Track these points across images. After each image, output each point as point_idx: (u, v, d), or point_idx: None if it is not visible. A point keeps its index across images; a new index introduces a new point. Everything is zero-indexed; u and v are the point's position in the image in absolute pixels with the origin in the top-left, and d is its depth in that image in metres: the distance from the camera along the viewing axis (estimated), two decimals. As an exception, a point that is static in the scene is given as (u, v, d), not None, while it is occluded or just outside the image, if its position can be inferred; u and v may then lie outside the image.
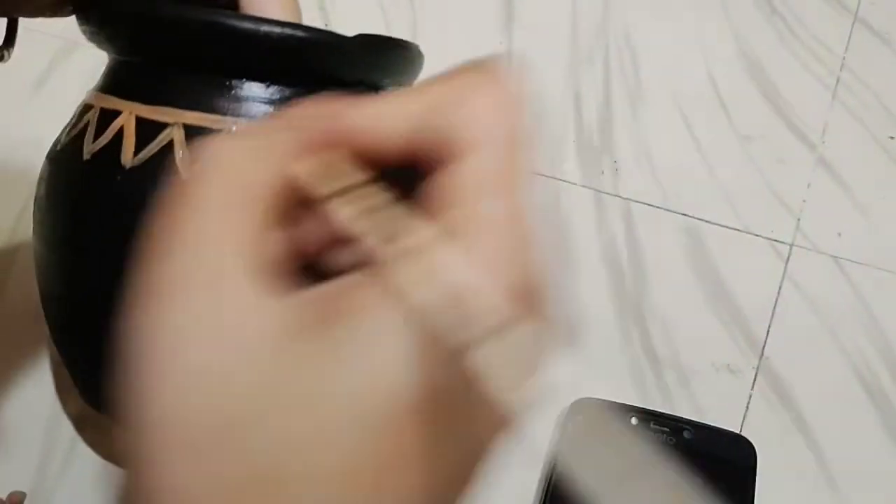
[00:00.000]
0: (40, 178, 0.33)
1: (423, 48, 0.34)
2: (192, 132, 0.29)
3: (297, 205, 0.19)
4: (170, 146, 0.29)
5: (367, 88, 0.33)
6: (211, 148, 0.19)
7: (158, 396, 0.17)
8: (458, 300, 0.16)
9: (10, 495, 0.36)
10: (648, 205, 0.53)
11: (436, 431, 0.17)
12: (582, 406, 0.42)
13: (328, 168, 0.19)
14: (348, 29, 0.34)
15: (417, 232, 0.17)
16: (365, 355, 0.16)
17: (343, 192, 0.18)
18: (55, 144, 0.33)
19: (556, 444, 0.41)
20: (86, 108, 0.33)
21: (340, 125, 0.19)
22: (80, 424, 0.42)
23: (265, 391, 0.16)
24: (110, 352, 0.31)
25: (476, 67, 0.19)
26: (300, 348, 0.17)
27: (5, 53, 0.30)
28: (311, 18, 0.59)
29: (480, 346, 0.16)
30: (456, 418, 0.18)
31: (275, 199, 0.18)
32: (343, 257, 0.20)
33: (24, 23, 0.32)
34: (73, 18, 0.32)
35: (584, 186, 0.53)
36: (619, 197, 0.53)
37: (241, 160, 0.18)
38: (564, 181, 0.54)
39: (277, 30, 0.29)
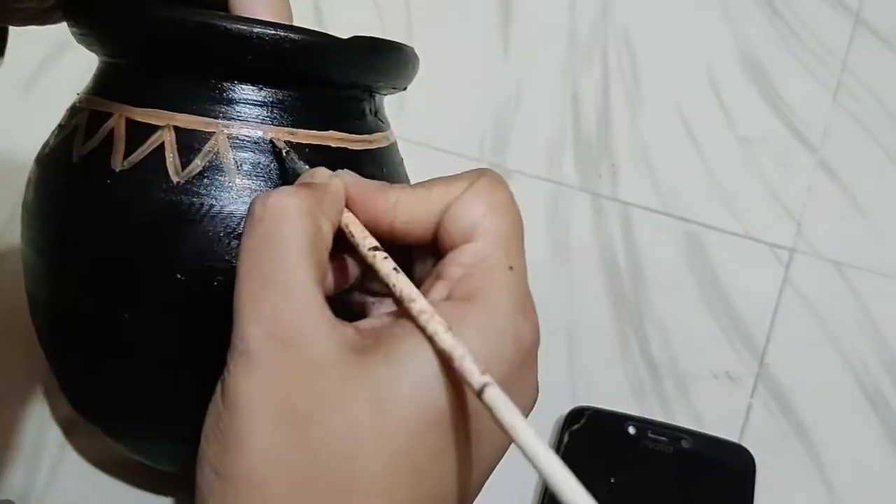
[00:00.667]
0: (28, 181, 0.33)
1: (418, 48, 0.34)
2: (183, 135, 0.29)
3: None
4: (160, 149, 0.29)
5: (361, 91, 0.32)
6: (277, 201, 0.24)
7: (248, 384, 0.22)
8: (452, 356, 0.22)
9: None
10: (647, 209, 0.52)
11: (457, 438, 0.23)
12: (579, 414, 0.41)
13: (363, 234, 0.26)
14: (343, 28, 0.34)
15: (430, 296, 0.24)
16: (408, 373, 0.22)
17: (375, 249, 0.25)
18: (44, 147, 0.33)
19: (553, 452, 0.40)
20: (75, 110, 0.32)
21: (383, 223, 0.26)
22: (69, 430, 0.41)
23: (335, 394, 0.22)
24: (96, 356, 0.31)
25: (478, 175, 0.26)
26: (360, 363, 0.22)
27: None
28: (306, 16, 0.58)
29: (476, 390, 0.21)
30: (474, 431, 0.23)
31: (326, 252, 0.25)
32: (358, 297, 0.29)
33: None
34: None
35: (581, 190, 0.53)
36: (618, 201, 0.52)
37: (306, 220, 0.24)
38: (562, 184, 0.53)
39: (270, 31, 0.28)
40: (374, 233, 0.26)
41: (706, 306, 0.47)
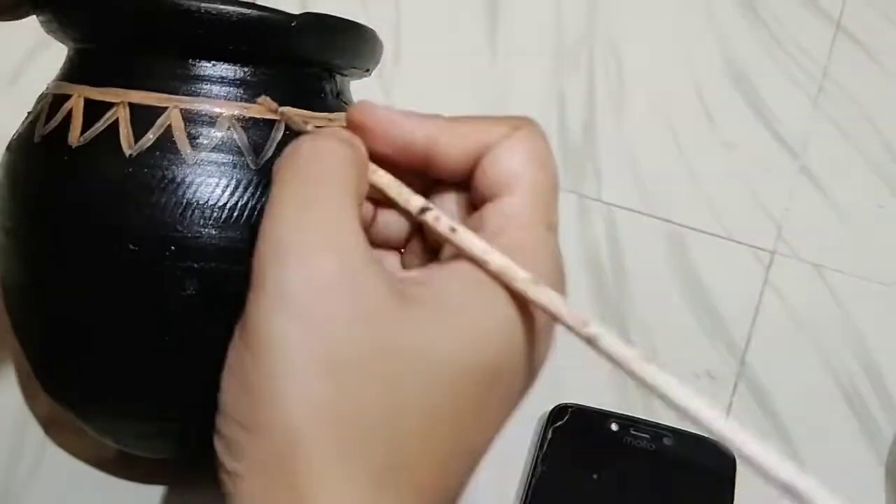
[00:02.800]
0: None
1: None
2: (138, 110, 0.30)
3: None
4: (115, 124, 0.30)
5: (320, 70, 0.33)
6: (313, 144, 0.24)
7: (284, 328, 0.21)
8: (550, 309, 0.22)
9: None
10: (631, 210, 0.52)
11: (500, 394, 0.23)
12: (563, 411, 0.41)
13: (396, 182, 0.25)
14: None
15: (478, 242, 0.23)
16: (466, 328, 0.22)
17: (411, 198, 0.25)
18: (14, 135, 0.33)
19: (536, 449, 0.40)
20: (41, 96, 0.33)
21: (415, 153, 0.25)
22: (49, 425, 0.41)
23: (381, 341, 0.21)
24: (62, 333, 0.31)
25: (523, 123, 0.26)
26: (408, 310, 0.22)
27: None
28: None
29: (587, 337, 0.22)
30: (514, 389, 0.24)
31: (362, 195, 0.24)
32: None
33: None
34: None
35: (567, 191, 0.53)
36: (602, 202, 0.53)
37: (347, 162, 0.24)
38: (547, 185, 0.53)
39: (221, 7, 0.29)
40: (401, 163, 0.25)
41: (688, 306, 0.48)
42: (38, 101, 0.33)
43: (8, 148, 0.33)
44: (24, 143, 0.32)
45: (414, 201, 0.25)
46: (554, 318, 0.22)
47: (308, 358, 0.21)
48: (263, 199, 0.30)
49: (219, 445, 0.22)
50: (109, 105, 0.30)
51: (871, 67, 0.59)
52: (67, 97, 0.31)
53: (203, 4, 0.29)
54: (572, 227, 0.51)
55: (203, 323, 0.30)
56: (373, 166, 0.25)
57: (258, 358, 0.21)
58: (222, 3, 0.29)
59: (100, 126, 0.30)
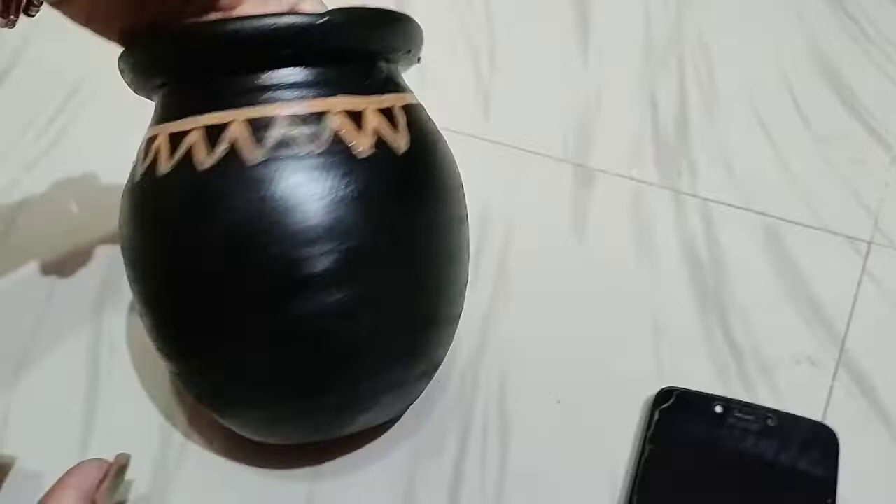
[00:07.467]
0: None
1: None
2: (208, 130, 0.34)
3: None
4: (190, 149, 0.34)
5: (363, 57, 0.36)
6: None
7: None
8: None
9: (117, 457, 0.38)
10: (726, 204, 0.54)
11: None
12: (668, 394, 0.43)
13: None
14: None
15: None
16: None
17: None
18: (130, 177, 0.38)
19: (644, 431, 0.43)
20: (144, 142, 0.37)
21: None
22: (193, 422, 0.44)
23: None
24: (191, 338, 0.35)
25: None
26: None
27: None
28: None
29: None
30: None
31: None
32: None
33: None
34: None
35: (661, 187, 0.55)
36: (697, 197, 0.55)
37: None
38: (642, 182, 0.56)
39: (263, 23, 0.33)
40: None
41: (786, 296, 0.49)
42: (141, 145, 0.37)
43: (122, 196, 0.38)
44: (137, 181, 0.36)
45: None
46: None
47: None
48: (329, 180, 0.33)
49: None
50: (186, 133, 0.34)
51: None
52: (155, 137, 0.35)
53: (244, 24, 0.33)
54: (669, 222, 0.53)
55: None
56: None
57: None
58: (266, 20, 0.33)
59: (181, 150, 0.34)
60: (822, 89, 0.61)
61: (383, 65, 0.37)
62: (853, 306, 0.49)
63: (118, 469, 0.38)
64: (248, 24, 0.33)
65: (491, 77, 0.62)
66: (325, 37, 0.34)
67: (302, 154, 0.33)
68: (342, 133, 0.33)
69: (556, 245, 0.52)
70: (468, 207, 0.40)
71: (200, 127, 0.33)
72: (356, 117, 0.34)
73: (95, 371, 0.46)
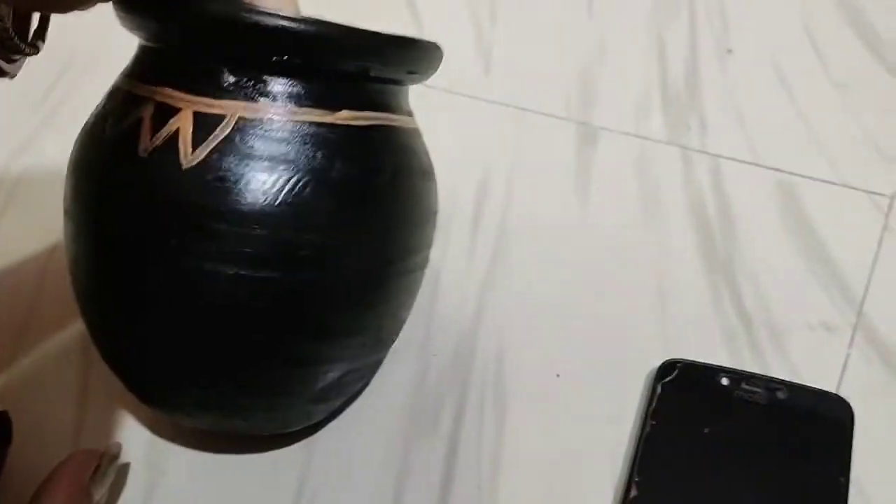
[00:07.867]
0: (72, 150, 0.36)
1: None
2: (200, 117, 0.32)
3: None
4: (176, 132, 0.32)
5: (364, 75, 0.33)
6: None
7: None
8: None
9: (110, 446, 0.39)
10: (738, 160, 0.51)
11: None
12: (671, 367, 0.42)
13: None
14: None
15: None
16: None
17: None
18: (85, 125, 0.36)
19: (646, 405, 0.41)
20: (112, 91, 0.35)
21: None
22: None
23: None
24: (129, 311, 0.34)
25: None
26: None
27: (39, 45, 0.32)
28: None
29: None
30: None
31: None
32: None
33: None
34: None
35: (669, 144, 0.52)
36: (707, 153, 0.52)
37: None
38: (649, 139, 0.53)
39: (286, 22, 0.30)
40: None
41: (801, 257, 0.47)
42: (108, 98, 0.35)
43: (78, 139, 0.36)
44: (93, 139, 0.34)
45: None
46: None
47: None
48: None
49: None
50: (176, 110, 0.32)
51: None
52: (142, 99, 0.33)
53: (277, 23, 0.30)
54: (676, 182, 0.51)
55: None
56: None
57: None
58: (289, 20, 0.30)
59: (168, 129, 0.32)
60: (842, 29, 0.57)
61: (392, 87, 0.35)
62: (873, 268, 0.46)
63: (111, 458, 0.38)
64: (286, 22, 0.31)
65: (491, 28, 0.59)
66: (293, 46, 0.32)
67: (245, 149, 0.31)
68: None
69: (558, 209, 0.50)
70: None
71: (154, 101, 0.32)
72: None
73: (88, 361, 0.45)
